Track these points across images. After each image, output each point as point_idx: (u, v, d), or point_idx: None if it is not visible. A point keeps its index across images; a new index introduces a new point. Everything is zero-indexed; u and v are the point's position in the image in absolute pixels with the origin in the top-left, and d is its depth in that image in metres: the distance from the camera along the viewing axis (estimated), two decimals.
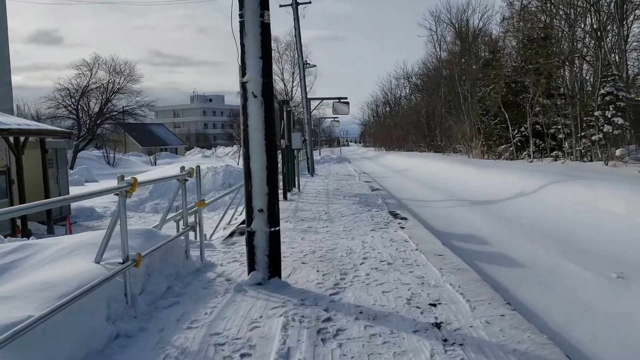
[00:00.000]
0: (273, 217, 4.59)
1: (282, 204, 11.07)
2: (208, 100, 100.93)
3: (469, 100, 31.16)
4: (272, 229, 4.58)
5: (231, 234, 7.73)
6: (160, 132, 71.76)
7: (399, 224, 8.02)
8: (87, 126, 43.94)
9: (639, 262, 6.40)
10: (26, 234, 11.21)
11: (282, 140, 11.86)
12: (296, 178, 13.98)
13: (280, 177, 12.53)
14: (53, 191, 14.26)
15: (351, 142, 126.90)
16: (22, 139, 12.22)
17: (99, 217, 15.44)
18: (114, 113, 46.91)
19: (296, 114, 38.85)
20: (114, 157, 44.16)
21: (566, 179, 11.55)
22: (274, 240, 4.61)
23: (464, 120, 31.45)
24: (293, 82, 46.88)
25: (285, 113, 12.07)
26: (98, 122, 44.87)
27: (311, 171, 19.99)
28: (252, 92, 4.48)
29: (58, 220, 14.16)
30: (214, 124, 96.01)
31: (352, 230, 7.57)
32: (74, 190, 15.20)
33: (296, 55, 20.63)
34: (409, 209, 11.13)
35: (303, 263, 5.54)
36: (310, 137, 20.65)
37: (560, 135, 21.07)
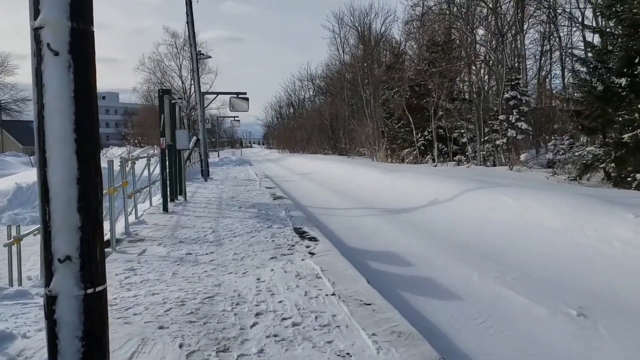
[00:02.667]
0: (92, 269, 2.56)
1: (161, 218, 8.88)
2: (101, 97, 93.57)
3: (372, 104, 30.73)
4: (90, 291, 2.57)
5: None
6: None
7: (308, 247, 6.24)
8: None
9: (593, 289, 5.34)
10: None
11: (162, 139, 9.63)
12: (183, 184, 11.75)
13: (161, 182, 10.29)
14: None
15: (254, 143, 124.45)
16: None
17: None
18: None
19: (193, 114, 35.90)
20: None
21: (482, 186, 10.68)
22: (94, 309, 2.60)
23: (367, 123, 30.94)
24: (192, 80, 43.71)
25: (167, 106, 9.83)
26: None
27: (205, 175, 17.70)
28: (49, 45, 2.46)
29: None
30: (107, 123, 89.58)
31: (244, 259, 5.66)
32: None
33: (190, 45, 18.20)
34: (317, 220, 9.56)
35: (160, 328, 3.53)
36: (205, 136, 18.31)
37: (464, 140, 20.98)
